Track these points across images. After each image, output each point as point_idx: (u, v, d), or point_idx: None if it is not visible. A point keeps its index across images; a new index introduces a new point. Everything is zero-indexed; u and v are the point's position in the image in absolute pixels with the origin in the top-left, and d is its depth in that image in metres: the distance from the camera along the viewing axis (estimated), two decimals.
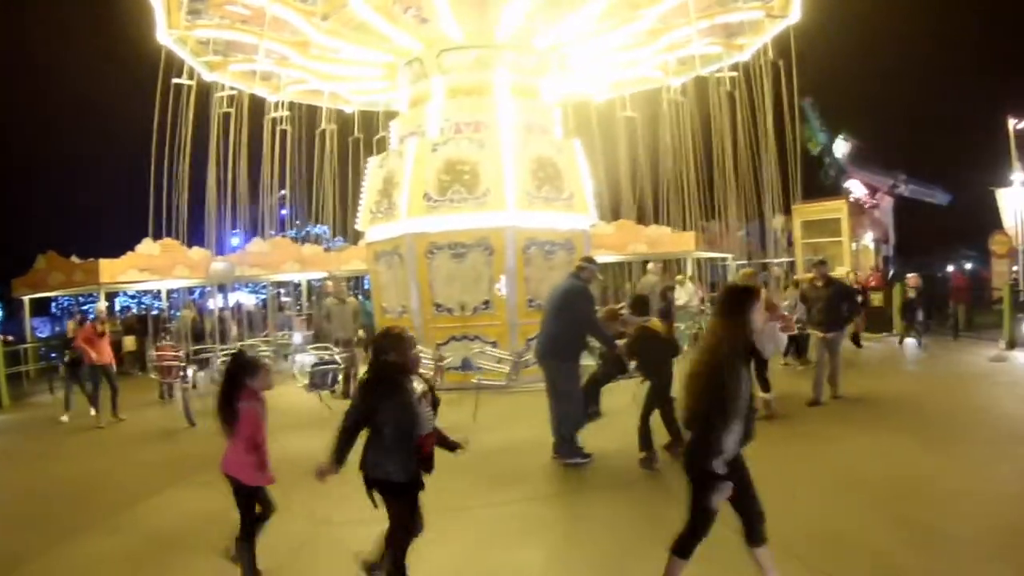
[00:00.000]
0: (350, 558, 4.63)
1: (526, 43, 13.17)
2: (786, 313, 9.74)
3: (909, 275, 18.14)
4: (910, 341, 15.21)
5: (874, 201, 22.45)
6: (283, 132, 17.27)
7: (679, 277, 16.03)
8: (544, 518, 5.82)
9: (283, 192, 17.82)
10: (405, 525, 4.15)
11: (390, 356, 4.08)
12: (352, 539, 5.32)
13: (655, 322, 6.97)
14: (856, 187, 22.71)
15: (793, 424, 8.48)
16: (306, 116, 18.35)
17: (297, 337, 15.75)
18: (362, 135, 18.39)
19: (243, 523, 4.69)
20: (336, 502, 6.08)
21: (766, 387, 8.76)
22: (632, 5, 12.94)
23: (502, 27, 12.54)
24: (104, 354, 11.07)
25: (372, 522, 5.80)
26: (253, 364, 4.78)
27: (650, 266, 15.20)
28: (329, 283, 15.11)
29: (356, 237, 15.78)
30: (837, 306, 9.57)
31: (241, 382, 4.64)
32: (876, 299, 17.20)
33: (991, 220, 20.67)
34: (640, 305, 7.16)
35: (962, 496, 5.72)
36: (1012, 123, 19.78)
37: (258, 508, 4.76)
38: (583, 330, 7.33)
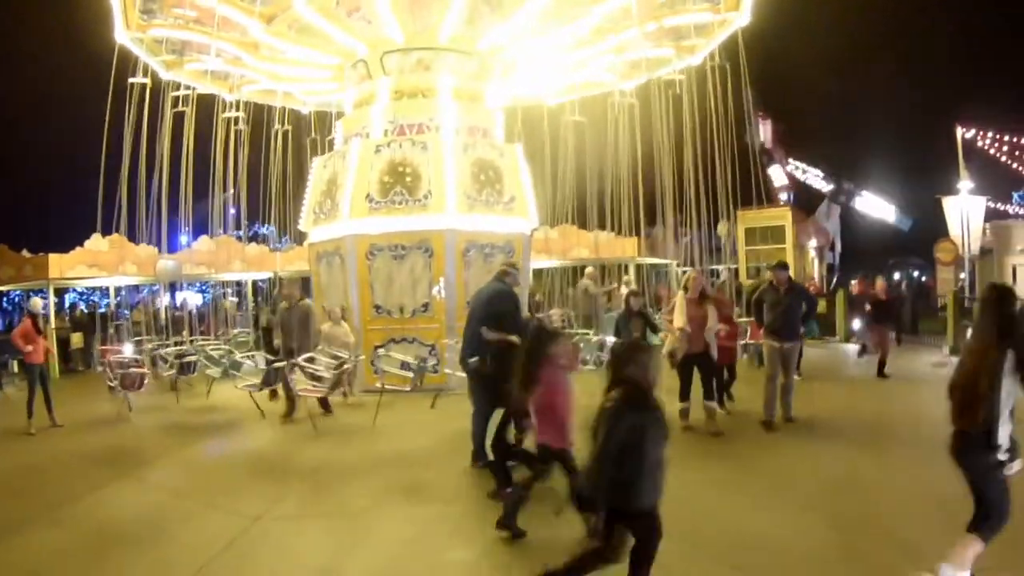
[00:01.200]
0: (278, 553, 4.70)
1: (469, 46, 13.24)
2: (728, 322, 9.49)
3: (853, 281, 18.57)
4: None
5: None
6: (237, 132, 17.26)
7: (626, 278, 16.07)
8: (471, 519, 5.68)
9: (232, 191, 17.76)
10: (655, 546, 3.75)
11: (629, 369, 3.84)
12: (282, 534, 5.50)
13: (512, 339, 6.88)
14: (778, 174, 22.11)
15: (730, 433, 8.39)
16: (263, 116, 18.35)
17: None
18: (317, 136, 18.43)
19: (532, 477, 4.82)
20: (267, 500, 6.24)
21: (710, 395, 8.50)
22: (574, 3, 12.88)
23: (444, 30, 12.62)
24: (41, 353, 10.49)
25: (302, 518, 5.93)
26: (554, 334, 4.91)
27: (588, 270, 15.22)
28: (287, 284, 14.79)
29: (301, 238, 15.80)
30: (797, 314, 8.70)
31: (543, 351, 4.69)
32: (820, 305, 17.53)
33: (939, 228, 21.07)
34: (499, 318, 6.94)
35: (893, 494, 5.88)
36: (960, 131, 20.23)
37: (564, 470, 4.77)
38: (508, 333, 7.19)
